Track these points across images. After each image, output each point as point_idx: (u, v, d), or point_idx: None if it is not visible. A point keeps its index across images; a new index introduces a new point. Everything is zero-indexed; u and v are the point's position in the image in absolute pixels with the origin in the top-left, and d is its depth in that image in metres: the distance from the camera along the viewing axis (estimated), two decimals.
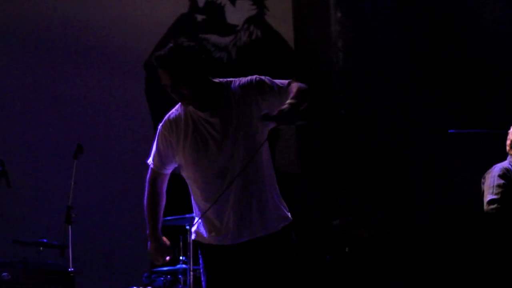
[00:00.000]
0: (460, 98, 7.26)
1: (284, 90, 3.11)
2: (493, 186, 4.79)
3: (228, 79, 3.27)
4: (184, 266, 5.55)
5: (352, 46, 7.96)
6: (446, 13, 7.59)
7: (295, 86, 3.06)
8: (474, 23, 7.45)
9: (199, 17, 7.85)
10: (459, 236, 5.63)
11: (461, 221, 5.68)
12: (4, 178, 5.38)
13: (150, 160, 3.34)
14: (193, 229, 3.32)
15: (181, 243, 5.70)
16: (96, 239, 6.63)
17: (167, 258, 3.32)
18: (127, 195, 6.38)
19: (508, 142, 4.98)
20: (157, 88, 3.22)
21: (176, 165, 3.31)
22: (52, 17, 7.14)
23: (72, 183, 5.54)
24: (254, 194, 3.16)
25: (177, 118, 3.25)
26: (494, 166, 4.92)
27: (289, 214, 3.28)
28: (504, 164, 4.91)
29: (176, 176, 3.34)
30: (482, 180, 4.95)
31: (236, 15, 7.94)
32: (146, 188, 3.34)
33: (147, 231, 3.30)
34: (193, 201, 3.30)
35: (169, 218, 5.23)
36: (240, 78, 3.26)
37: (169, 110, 3.32)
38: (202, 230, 3.25)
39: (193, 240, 3.37)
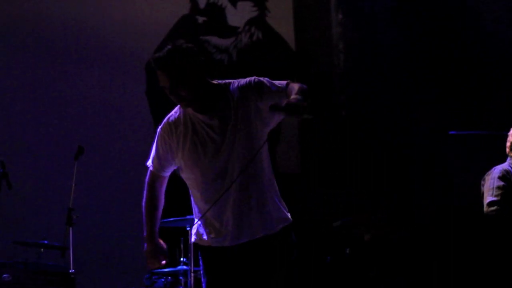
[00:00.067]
0: (460, 98, 7.26)
1: (283, 90, 3.11)
2: (493, 187, 4.78)
3: (227, 81, 3.28)
4: (185, 267, 5.56)
5: (353, 47, 7.96)
6: (446, 13, 7.59)
7: (295, 85, 3.07)
8: (474, 23, 7.45)
9: (200, 19, 7.85)
10: (459, 236, 5.63)
11: (461, 222, 5.68)
12: (5, 180, 5.38)
13: (149, 163, 3.35)
14: (193, 231, 3.32)
15: (181, 245, 5.70)
16: (96, 241, 6.63)
17: (163, 262, 3.32)
18: (127, 196, 6.38)
19: (508, 144, 4.97)
20: (158, 89, 3.22)
21: (175, 167, 3.32)
22: (52, 17, 7.13)
23: (73, 184, 5.54)
24: (253, 195, 3.16)
25: (176, 121, 3.25)
26: (494, 168, 4.92)
27: (289, 214, 3.28)
28: (504, 166, 4.90)
29: (176, 178, 3.35)
30: (482, 181, 4.95)
31: (237, 17, 7.94)
32: (145, 191, 3.34)
33: (144, 233, 3.31)
34: (192, 203, 3.30)
35: (169, 219, 5.24)
36: (239, 80, 3.26)
37: (170, 111, 3.32)
38: (202, 232, 3.25)
39: (193, 243, 3.37)
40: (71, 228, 5.44)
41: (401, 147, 7.45)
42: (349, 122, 7.71)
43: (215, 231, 3.20)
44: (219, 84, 3.25)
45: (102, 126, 7.13)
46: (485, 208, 4.77)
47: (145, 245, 3.30)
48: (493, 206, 4.72)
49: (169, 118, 3.29)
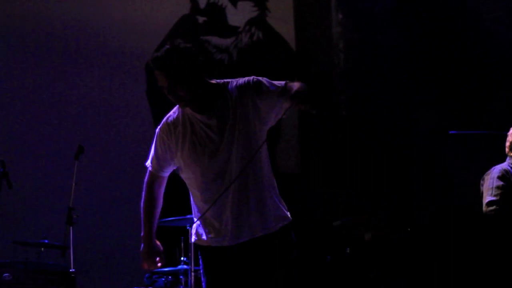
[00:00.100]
0: (460, 98, 7.27)
1: (282, 90, 3.12)
2: (492, 187, 4.79)
3: (225, 80, 3.28)
4: (185, 266, 5.56)
5: (353, 47, 7.97)
6: (446, 13, 7.60)
7: (294, 84, 3.07)
8: (474, 23, 7.46)
9: (200, 19, 7.84)
10: (459, 236, 5.64)
11: (461, 222, 5.68)
12: (5, 179, 5.39)
13: (148, 163, 3.35)
14: (193, 231, 3.32)
15: (182, 244, 5.71)
16: (97, 240, 6.62)
17: (158, 264, 3.32)
18: (128, 195, 6.37)
19: (507, 144, 4.98)
20: (158, 89, 3.22)
21: (174, 168, 3.32)
22: (52, 17, 7.13)
23: (73, 184, 5.54)
24: (253, 194, 3.16)
25: (175, 121, 3.25)
26: (493, 168, 4.92)
27: (288, 214, 3.28)
28: (503, 165, 4.91)
29: (176, 178, 3.35)
30: (481, 181, 4.95)
31: (237, 17, 7.94)
32: (143, 191, 3.35)
33: (142, 233, 3.31)
34: (192, 203, 3.30)
35: (170, 219, 5.25)
36: (238, 79, 3.26)
37: (170, 111, 3.32)
38: (202, 232, 3.25)
39: (193, 242, 3.37)
40: (71, 228, 5.45)
41: (401, 148, 7.45)
42: (349, 122, 7.72)
43: (214, 231, 3.20)
44: (217, 84, 3.25)
45: (102, 125, 7.13)
46: (484, 208, 4.77)
47: (142, 245, 3.31)
48: (492, 205, 4.72)
49: (167, 118, 3.29)
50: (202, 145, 3.17)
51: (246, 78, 3.23)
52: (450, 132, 5.65)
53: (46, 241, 5.49)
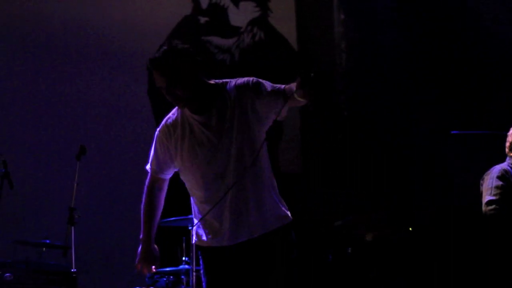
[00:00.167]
0: (460, 98, 7.28)
1: (281, 92, 3.12)
2: (492, 187, 4.79)
3: (224, 80, 3.28)
4: (186, 266, 5.56)
5: (355, 47, 7.97)
6: (446, 13, 7.60)
7: (293, 85, 3.06)
8: (474, 23, 7.46)
9: (202, 19, 7.84)
10: (459, 236, 5.65)
11: (461, 222, 5.70)
12: (6, 179, 5.39)
13: (148, 166, 3.37)
14: (193, 232, 3.33)
15: (183, 244, 5.71)
16: (98, 240, 6.62)
17: (153, 268, 3.33)
18: (129, 195, 6.35)
19: (507, 144, 4.99)
20: (159, 90, 3.23)
21: (175, 170, 3.32)
22: (52, 17, 7.12)
23: (75, 184, 5.55)
24: (252, 194, 3.16)
25: (174, 123, 3.26)
26: (493, 168, 4.93)
27: (288, 213, 3.28)
28: (503, 165, 4.91)
29: (177, 177, 3.35)
30: (481, 181, 4.96)
31: (239, 17, 7.93)
32: (144, 195, 3.36)
33: (141, 236, 3.33)
34: (192, 203, 3.31)
35: (171, 219, 5.25)
36: (236, 79, 3.27)
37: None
38: (202, 233, 3.26)
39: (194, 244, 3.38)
40: (73, 228, 5.44)
41: (401, 148, 7.46)
42: (350, 122, 7.73)
43: (214, 231, 3.21)
44: (215, 84, 3.25)
45: (104, 126, 7.13)
46: (484, 208, 4.78)
47: (140, 247, 3.32)
48: (491, 205, 4.72)
49: (167, 120, 3.30)
50: (201, 146, 3.18)
51: (246, 78, 3.24)
52: (452, 132, 5.65)
53: (48, 241, 5.50)
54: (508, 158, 4.96)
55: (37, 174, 6.72)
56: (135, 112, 7.29)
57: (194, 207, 3.29)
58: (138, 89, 7.34)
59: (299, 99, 2.97)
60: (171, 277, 5.67)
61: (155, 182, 3.36)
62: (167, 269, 5.57)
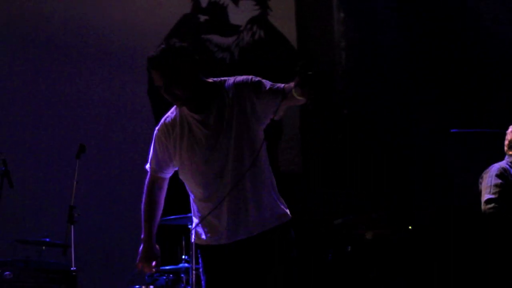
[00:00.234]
0: (460, 98, 7.28)
1: (280, 91, 3.11)
2: (491, 185, 4.79)
3: (222, 78, 3.27)
4: (186, 265, 5.57)
5: (355, 46, 7.97)
6: (446, 13, 7.61)
7: (293, 84, 3.05)
8: (474, 23, 7.47)
9: (202, 18, 7.84)
10: (459, 236, 5.64)
11: (461, 222, 5.69)
12: (6, 178, 5.39)
13: (147, 165, 3.37)
14: (193, 231, 3.33)
15: (183, 242, 5.71)
16: (98, 238, 6.62)
17: (153, 268, 3.32)
18: (129, 194, 6.38)
19: (506, 142, 4.99)
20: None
21: (175, 169, 3.32)
22: (52, 17, 7.13)
23: (75, 182, 5.55)
24: (251, 194, 3.16)
25: (172, 121, 3.26)
26: (491, 166, 4.93)
27: (287, 211, 3.28)
28: (502, 163, 4.92)
29: (177, 175, 3.35)
30: (480, 180, 4.96)
31: (239, 16, 7.94)
32: (144, 194, 3.36)
33: (142, 235, 3.32)
34: (191, 202, 3.31)
35: (171, 217, 5.25)
36: (235, 77, 3.26)
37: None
38: (201, 232, 3.26)
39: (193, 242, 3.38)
40: (72, 226, 5.45)
41: (401, 147, 7.46)
42: (350, 122, 7.72)
43: (213, 229, 3.21)
44: (214, 82, 3.24)
45: (104, 125, 7.13)
46: (483, 206, 4.78)
47: (141, 246, 3.31)
48: (490, 203, 4.73)
49: (165, 119, 3.30)
50: (200, 145, 3.17)
51: (245, 77, 3.23)
52: (452, 131, 5.66)
53: (47, 239, 5.50)
54: (507, 156, 4.97)
55: (37, 173, 6.72)
56: (135, 112, 7.29)
57: (194, 206, 3.29)
58: (138, 89, 7.34)
59: (298, 97, 2.96)
60: (171, 275, 5.67)
61: (155, 181, 3.35)
62: (167, 267, 5.58)
